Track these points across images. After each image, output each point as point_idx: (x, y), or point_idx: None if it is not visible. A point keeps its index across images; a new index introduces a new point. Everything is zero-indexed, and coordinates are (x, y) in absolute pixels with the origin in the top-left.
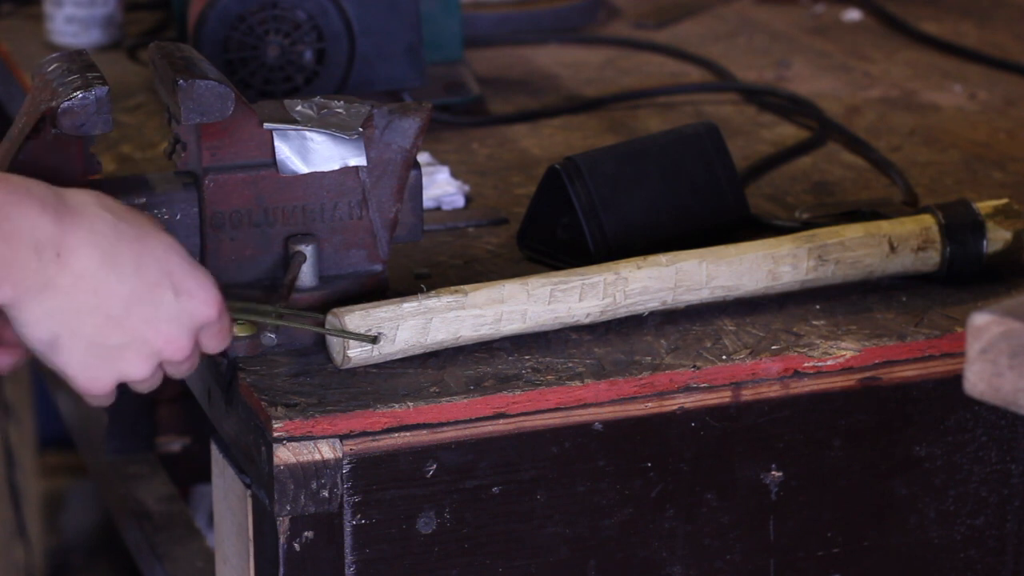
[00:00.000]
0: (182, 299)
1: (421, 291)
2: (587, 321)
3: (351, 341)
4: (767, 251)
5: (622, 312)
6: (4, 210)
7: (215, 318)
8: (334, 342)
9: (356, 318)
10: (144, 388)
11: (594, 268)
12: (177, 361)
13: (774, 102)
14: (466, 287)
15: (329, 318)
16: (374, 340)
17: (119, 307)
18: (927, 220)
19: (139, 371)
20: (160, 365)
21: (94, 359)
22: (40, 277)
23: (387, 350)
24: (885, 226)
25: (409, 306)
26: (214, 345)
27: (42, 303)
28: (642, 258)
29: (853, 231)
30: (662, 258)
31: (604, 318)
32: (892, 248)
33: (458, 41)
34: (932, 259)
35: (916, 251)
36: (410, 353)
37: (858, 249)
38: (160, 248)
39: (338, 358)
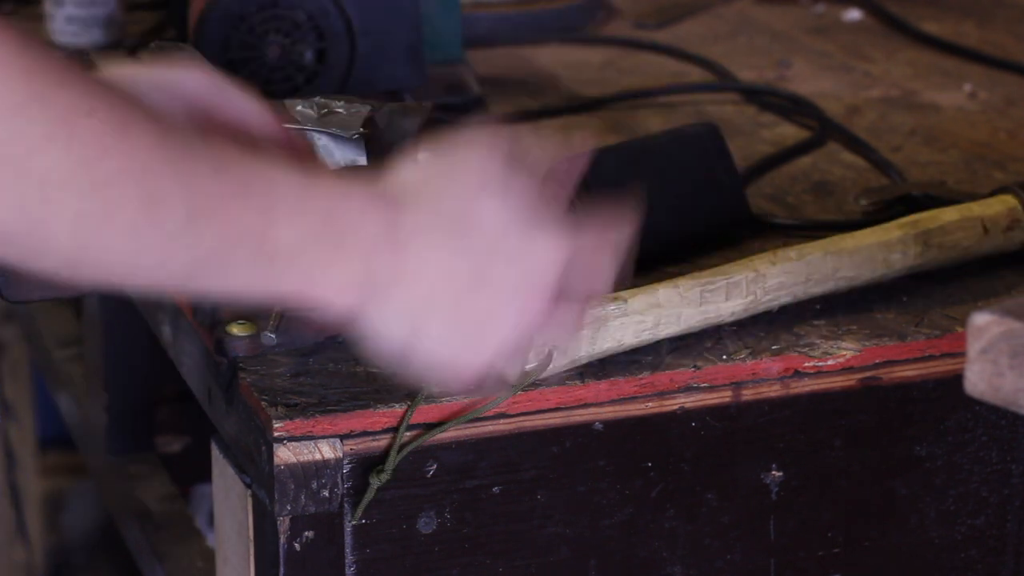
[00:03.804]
0: (519, 261)
1: None
2: (731, 320)
3: (529, 356)
4: (880, 239)
5: (761, 308)
6: (330, 212)
7: (559, 263)
8: None
9: None
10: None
11: (732, 267)
12: (536, 325)
13: (774, 102)
14: (623, 293)
15: None
16: (549, 358)
17: (464, 291)
18: (1010, 200)
19: (502, 345)
20: (530, 338)
21: (459, 337)
22: (380, 277)
23: (560, 362)
24: (976, 208)
25: None
26: (571, 313)
27: (385, 307)
28: (772, 253)
29: (950, 215)
30: (791, 252)
31: (746, 315)
32: (985, 230)
33: (458, 41)
34: (1019, 238)
35: (1005, 231)
36: (579, 364)
37: (956, 232)
38: (486, 209)
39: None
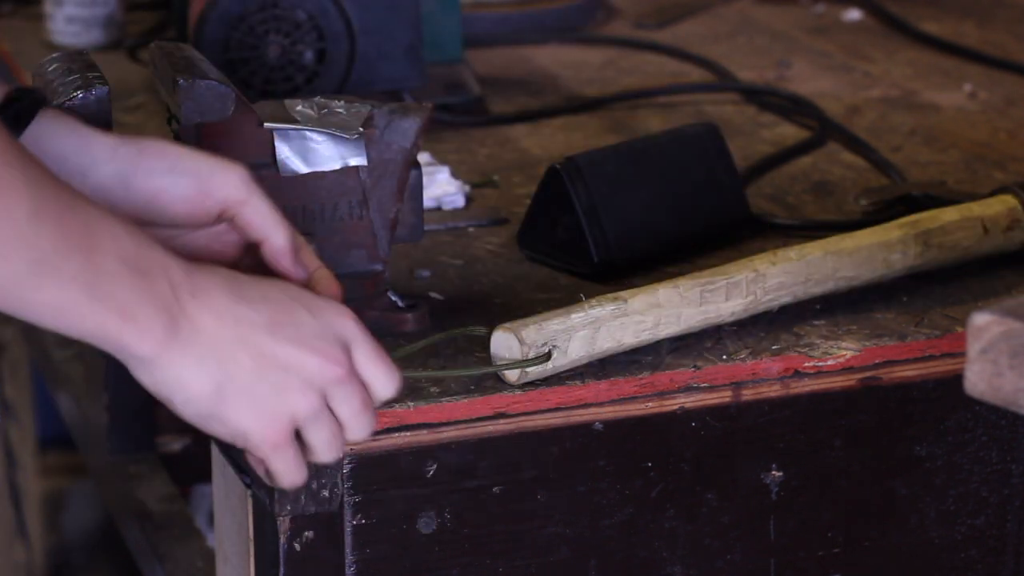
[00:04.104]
0: (317, 315)
1: (580, 299)
2: (731, 320)
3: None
4: (880, 239)
5: (761, 308)
6: (141, 253)
7: (357, 330)
8: (507, 359)
9: (531, 332)
10: (322, 442)
11: (732, 267)
12: (338, 382)
13: (774, 102)
14: (623, 293)
15: (500, 334)
16: (548, 357)
17: (264, 336)
18: (1010, 200)
19: (307, 403)
20: (325, 398)
21: (261, 401)
22: (184, 319)
23: (560, 362)
24: (976, 208)
25: (577, 316)
26: (371, 367)
27: (191, 349)
28: (772, 253)
29: (950, 215)
30: (791, 252)
31: (746, 315)
32: (985, 230)
33: (458, 41)
34: (1019, 238)
35: (1005, 231)
36: (579, 363)
37: (956, 233)
38: (271, 281)
39: (512, 375)
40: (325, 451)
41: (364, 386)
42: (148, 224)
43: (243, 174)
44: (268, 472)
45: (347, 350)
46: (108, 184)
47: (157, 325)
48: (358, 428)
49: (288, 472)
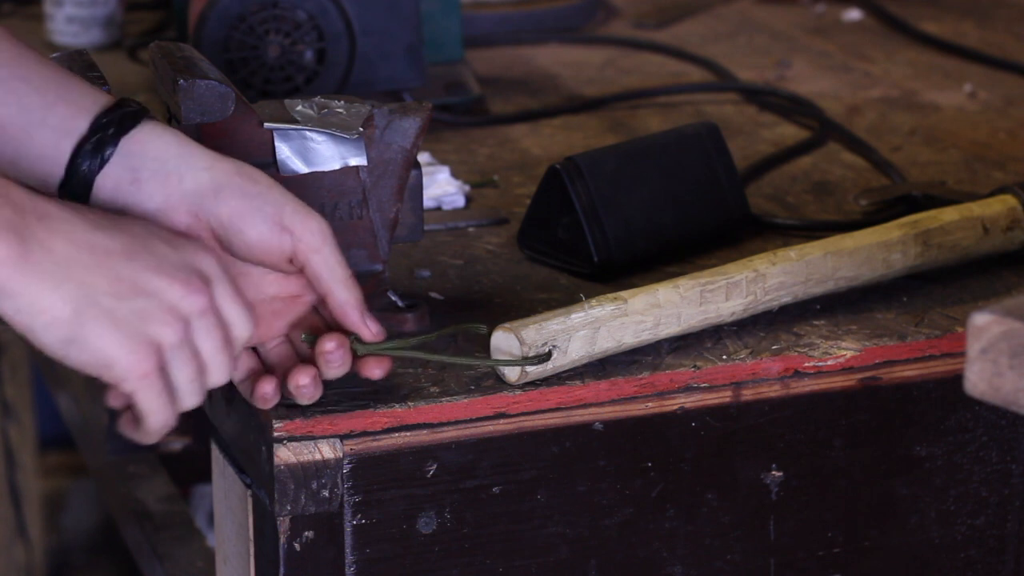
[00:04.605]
0: (177, 247)
1: (580, 299)
2: (731, 320)
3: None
4: (880, 239)
5: (761, 308)
6: None
7: (217, 267)
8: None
9: (531, 332)
10: (186, 380)
11: (732, 267)
12: (201, 313)
13: (774, 102)
14: (623, 293)
15: (500, 334)
16: (548, 357)
17: (122, 261)
18: (1010, 200)
19: (171, 331)
20: (190, 329)
21: (123, 326)
22: (34, 242)
23: (560, 362)
24: (976, 208)
25: (577, 316)
26: (231, 305)
27: (45, 273)
28: (772, 253)
29: (950, 215)
30: (791, 252)
31: (746, 315)
32: (985, 230)
33: (458, 41)
34: (1019, 238)
35: (1004, 231)
36: (578, 363)
37: (956, 233)
38: (128, 217)
39: (512, 375)
40: (188, 392)
41: (225, 325)
42: (225, 245)
43: (323, 224)
44: (134, 415)
45: (208, 284)
46: (202, 190)
47: (2, 247)
48: (218, 368)
49: (155, 411)
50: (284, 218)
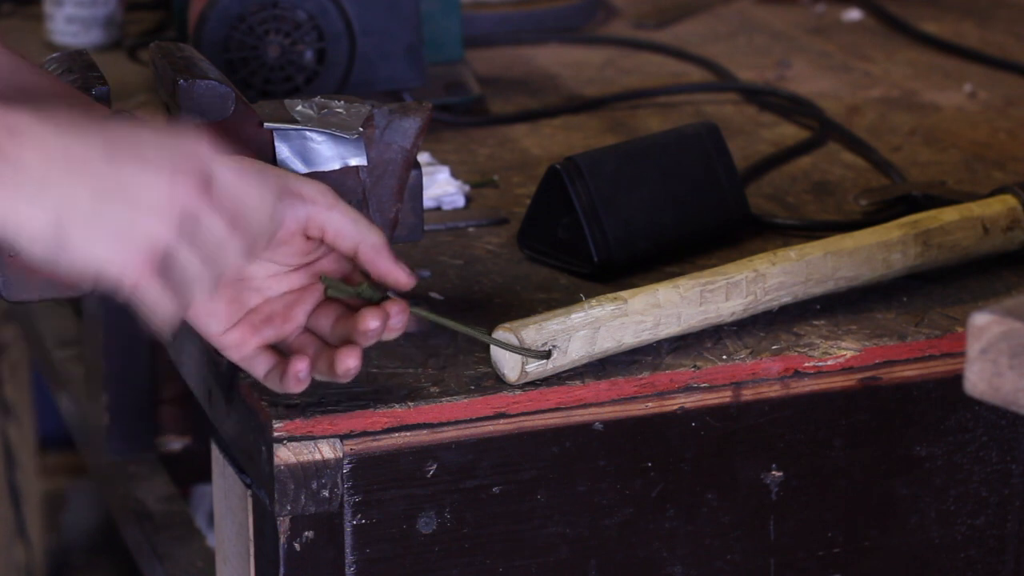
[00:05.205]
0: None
1: (580, 299)
2: (731, 320)
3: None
4: (880, 239)
5: (761, 308)
6: None
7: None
8: (508, 358)
9: (531, 332)
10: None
11: (732, 267)
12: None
13: (774, 102)
14: (623, 293)
15: (501, 333)
16: (548, 355)
17: (100, 164)
18: (1010, 200)
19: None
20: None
21: (110, 229)
22: (2, 158)
23: (560, 362)
24: (976, 208)
25: (577, 316)
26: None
27: (20, 188)
28: (772, 253)
29: (950, 215)
30: (791, 252)
31: (746, 315)
32: (985, 230)
33: (458, 41)
34: (1019, 238)
35: (1005, 231)
36: (578, 363)
37: (956, 233)
38: (117, 117)
39: (512, 374)
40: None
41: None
42: None
43: (327, 186)
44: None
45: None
46: None
47: None
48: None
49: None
50: (290, 185)
